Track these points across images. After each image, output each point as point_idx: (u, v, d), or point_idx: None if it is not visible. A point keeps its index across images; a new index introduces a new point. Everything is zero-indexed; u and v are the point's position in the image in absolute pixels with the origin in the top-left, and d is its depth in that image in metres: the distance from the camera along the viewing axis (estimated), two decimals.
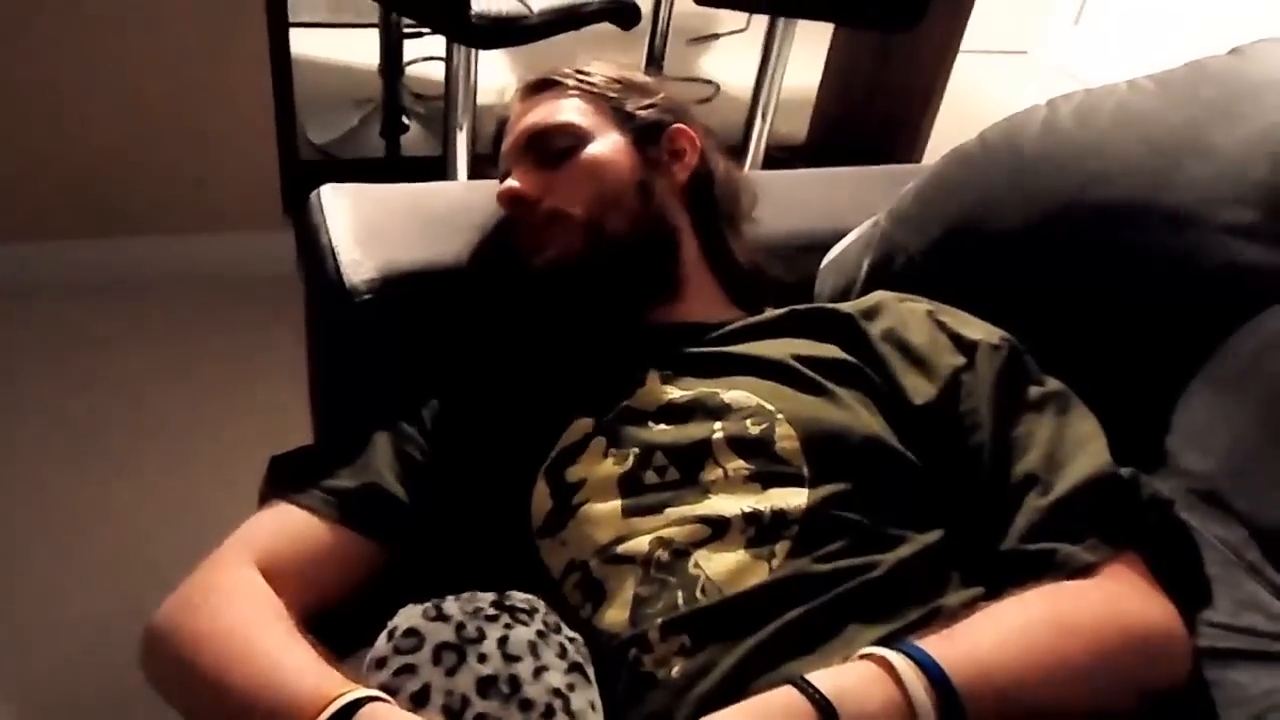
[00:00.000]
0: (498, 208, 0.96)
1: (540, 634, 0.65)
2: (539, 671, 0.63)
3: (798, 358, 0.84)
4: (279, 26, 1.96)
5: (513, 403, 0.89)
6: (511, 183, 0.93)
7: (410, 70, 2.70)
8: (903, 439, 0.80)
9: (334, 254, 0.98)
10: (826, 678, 0.61)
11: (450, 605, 0.66)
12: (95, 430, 1.79)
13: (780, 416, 0.79)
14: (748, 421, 0.79)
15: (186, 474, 1.72)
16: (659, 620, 0.70)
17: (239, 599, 0.73)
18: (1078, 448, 0.78)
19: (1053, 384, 0.84)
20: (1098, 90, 1.02)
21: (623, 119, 0.97)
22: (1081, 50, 3.73)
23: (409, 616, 0.65)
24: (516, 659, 0.63)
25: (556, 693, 0.62)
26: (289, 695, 0.64)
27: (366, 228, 1.02)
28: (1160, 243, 0.90)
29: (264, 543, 0.78)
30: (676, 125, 1.00)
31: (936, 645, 0.63)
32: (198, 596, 0.74)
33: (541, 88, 0.99)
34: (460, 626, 0.64)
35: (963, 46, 2.38)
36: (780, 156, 2.49)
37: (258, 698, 0.65)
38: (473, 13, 1.75)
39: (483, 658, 0.62)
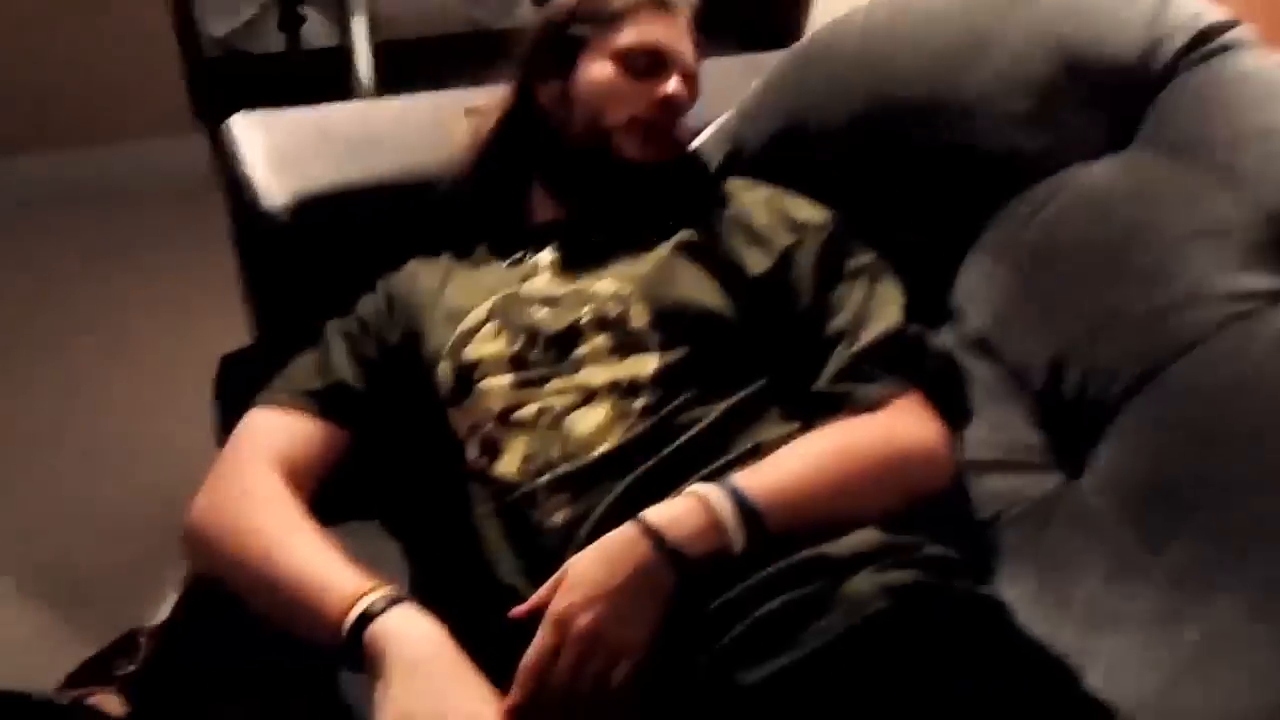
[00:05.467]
0: (398, 125, 1.09)
1: None
2: None
3: (657, 243, 1.01)
4: None
5: (422, 296, 1.04)
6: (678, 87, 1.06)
7: None
8: (738, 307, 0.98)
9: (250, 183, 1.12)
10: (656, 512, 0.81)
11: None
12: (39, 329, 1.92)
13: (635, 296, 0.96)
14: (610, 303, 0.97)
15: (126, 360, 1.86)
16: (545, 478, 0.88)
17: (266, 501, 0.90)
18: (881, 309, 0.98)
19: (867, 257, 1.02)
20: None
21: None
22: None
23: None
24: None
25: None
26: (335, 582, 0.81)
27: (278, 155, 1.15)
28: (950, 135, 1.08)
29: (274, 445, 0.94)
30: None
31: (744, 477, 0.84)
32: (231, 500, 0.91)
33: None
34: None
35: None
36: None
37: (306, 582, 0.82)
38: None
39: None
